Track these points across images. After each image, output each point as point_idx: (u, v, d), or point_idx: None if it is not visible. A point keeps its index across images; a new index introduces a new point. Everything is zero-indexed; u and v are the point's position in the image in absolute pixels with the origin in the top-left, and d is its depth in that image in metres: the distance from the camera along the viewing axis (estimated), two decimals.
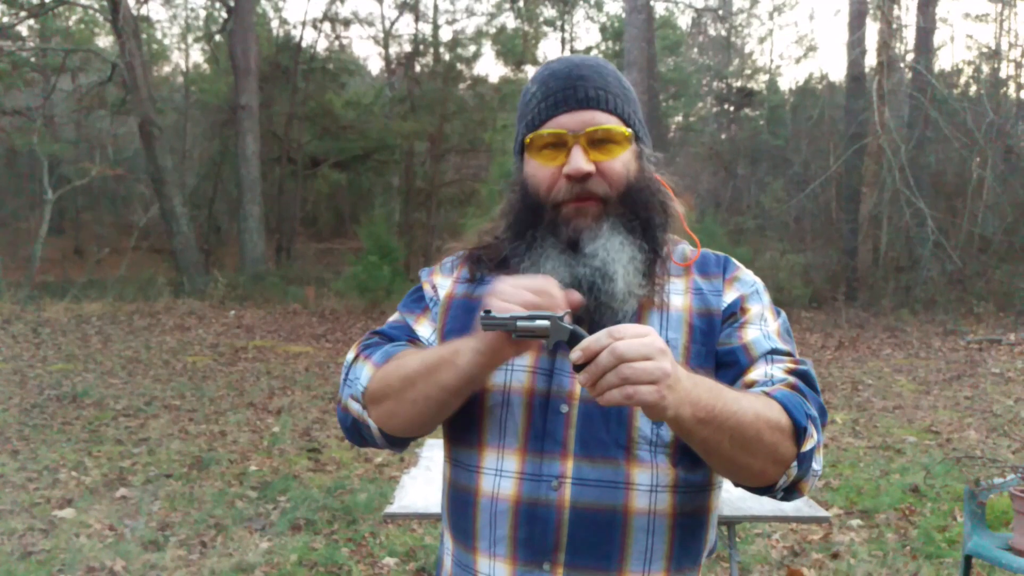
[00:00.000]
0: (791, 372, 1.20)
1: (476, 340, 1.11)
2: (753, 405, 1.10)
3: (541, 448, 1.19)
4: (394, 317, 1.39)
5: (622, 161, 1.22)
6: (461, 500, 1.26)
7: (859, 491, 5.20)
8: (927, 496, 5.09)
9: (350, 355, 1.32)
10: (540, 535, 1.18)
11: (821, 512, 2.87)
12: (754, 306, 1.27)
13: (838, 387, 8.59)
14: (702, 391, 1.05)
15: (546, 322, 1.04)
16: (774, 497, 1.18)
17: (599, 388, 0.99)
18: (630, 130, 1.24)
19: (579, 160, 1.19)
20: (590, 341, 1.00)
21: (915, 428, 6.87)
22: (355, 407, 1.26)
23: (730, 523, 2.93)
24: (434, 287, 1.36)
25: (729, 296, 1.27)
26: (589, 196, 1.21)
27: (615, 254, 1.19)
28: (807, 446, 1.13)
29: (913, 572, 3.99)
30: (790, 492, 1.17)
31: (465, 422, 1.24)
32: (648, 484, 1.18)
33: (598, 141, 1.21)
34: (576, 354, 1.01)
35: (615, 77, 1.26)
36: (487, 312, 1.06)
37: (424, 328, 1.34)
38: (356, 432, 1.30)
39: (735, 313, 1.26)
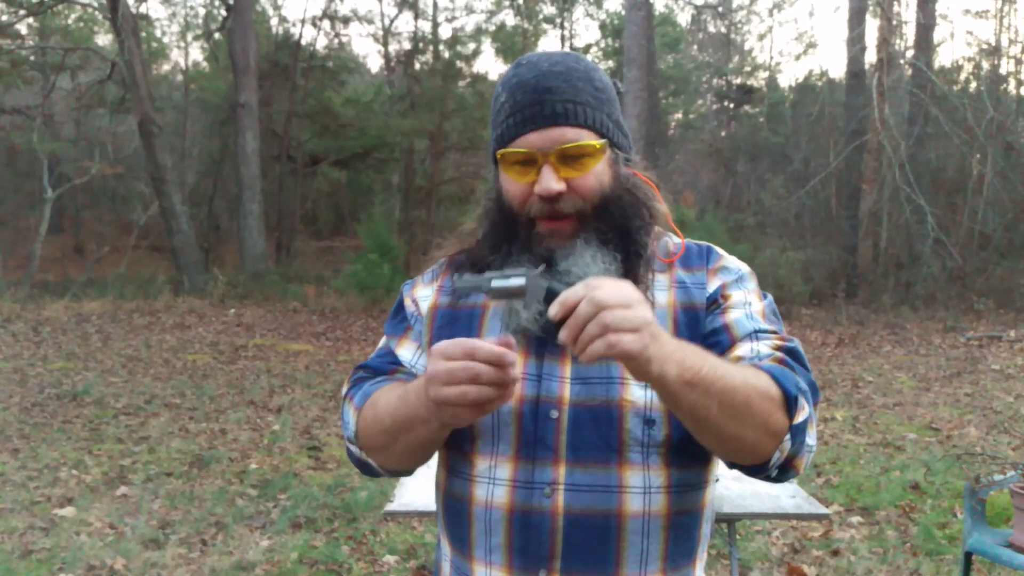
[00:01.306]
0: (778, 348, 1.18)
1: (436, 417, 1.10)
2: (742, 372, 1.08)
3: (533, 455, 1.18)
4: (381, 343, 1.39)
5: (595, 174, 1.20)
6: (456, 508, 1.25)
7: (859, 488, 5.21)
8: (927, 493, 5.10)
9: (343, 390, 1.34)
10: (535, 543, 1.17)
11: (821, 509, 2.87)
12: (736, 292, 1.25)
13: (838, 384, 8.59)
14: (687, 353, 1.03)
15: (521, 280, 1.01)
16: (768, 476, 1.15)
17: (581, 342, 0.96)
18: (602, 140, 1.21)
19: (549, 180, 1.17)
20: (568, 294, 0.97)
21: (915, 425, 6.87)
22: (354, 449, 1.29)
23: (730, 520, 2.93)
24: (415, 302, 1.35)
25: (712, 286, 1.26)
26: (561, 215, 1.19)
27: (587, 268, 1.17)
28: (799, 418, 1.10)
29: (913, 569, 3.99)
30: (784, 470, 1.14)
31: (458, 430, 1.22)
32: (641, 486, 1.18)
33: (568, 157, 1.19)
34: (554, 309, 0.97)
35: (587, 81, 1.22)
36: (460, 275, 1.04)
37: (406, 350, 1.34)
38: (364, 467, 1.31)
39: (716, 300, 1.25)
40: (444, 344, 1.04)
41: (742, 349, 1.19)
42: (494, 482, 1.20)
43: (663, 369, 0.99)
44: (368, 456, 1.27)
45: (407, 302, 1.37)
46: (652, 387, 1.04)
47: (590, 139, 1.20)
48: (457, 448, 1.25)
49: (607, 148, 1.23)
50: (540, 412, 1.19)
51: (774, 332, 1.22)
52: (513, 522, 1.18)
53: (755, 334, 1.20)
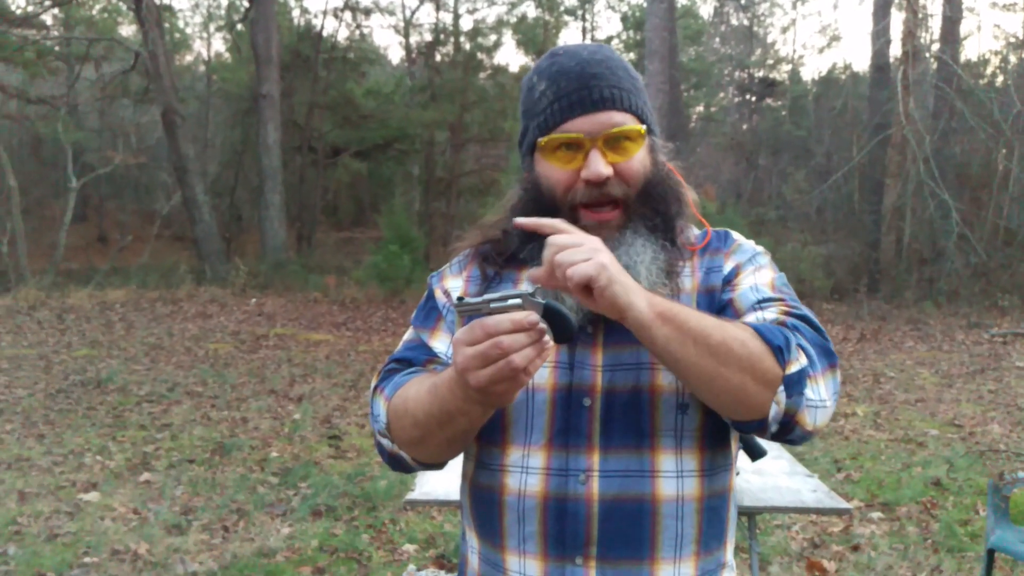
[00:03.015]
0: (785, 314, 1.17)
1: (477, 403, 1.08)
2: (717, 320, 1.11)
3: (566, 443, 1.18)
4: (408, 335, 1.35)
5: (638, 159, 1.22)
6: (485, 499, 1.25)
7: (880, 484, 5.18)
8: (949, 490, 5.06)
9: (372, 384, 1.31)
10: (571, 530, 1.18)
11: (842, 504, 2.86)
12: (746, 270, 1.26)
13: (860, 379, 8.54)
14: (656, 295, 1.10)
15: (518, 300, 1.03)
16: (772, 435, 1.12)
17: (556, 277, 1.07)
18: (644, 126, 1.23)
19: (598, 164, 1.18)
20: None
21: (937, 421, 6.82)
22: (385, 443, 1.25)
23: (750, 514, 2.92)
24: (446, 293, 1.34)
25: (727, 268, 1.28)
26: (608, 200, 1.20)
27: (637, 256, 1.19)
28: (792, 368, 1.08)
29: (934, 566, 3.96)
30: (789, 428, 1.11)
31: (489, 421, 1.21)
32: (674, 470, 1.18)
33: (615, 142, 1.20)
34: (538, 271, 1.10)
35: (624, 70, 1.24)
36: (460, 299, 1.06)
37: (440, 342, 1.31)
38: (396, 461, 1.27)
39: (730, 280, 1.26)
40: (462, 333, 1.03)
41: (747, 319, 1.18)
42: (527, 471, 1.20)
43: (630, 298, 1.05)
44: (401, 449, 1.22)
45: (438, 293, 1.35)
46: (629, 325, 1.07)
47: (634, 124, 1.22)
48: (487, 439, 1.24)
49: (647, 134, 1.24)
50: (573, 400, 1.19)
51: (780, 300, 1.20)
52: (548, 510, 1.19)
53: (759, 303, 1.20)
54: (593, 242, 1.08)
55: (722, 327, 1.08)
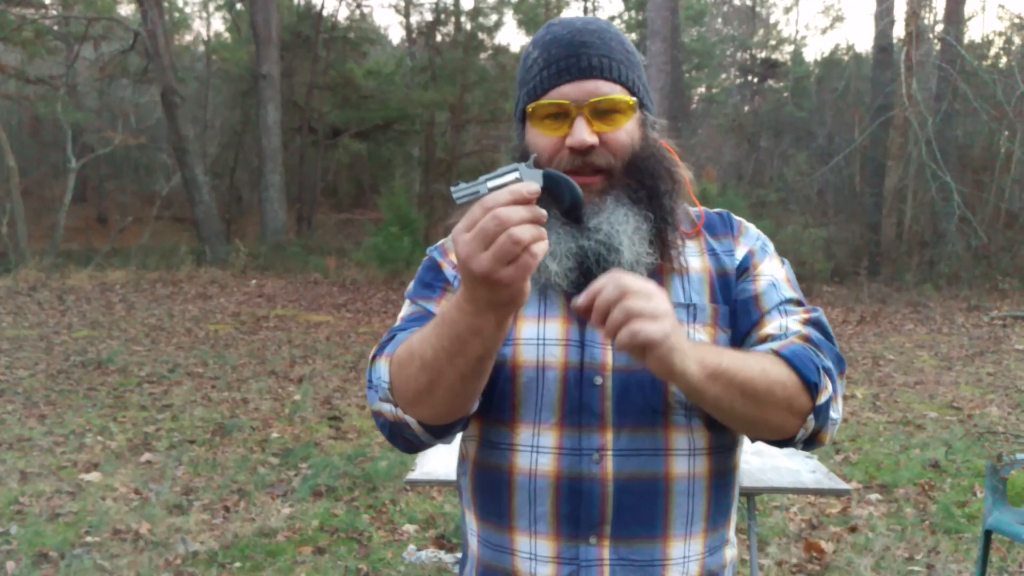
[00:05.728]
0: (805, 323, 1.20)
1: (488, 307, 1.00)
2: (759, 361, 1.10)
3: (579, 422, 1.18)
4: (408, 310, 1.29)
5: (626, 131, 1.20)
6: (492, 479, 1.23)
7: (878, 466, 5.20)
8: (947, 471, 5.08)
9: (371, 356, 1.24)
10: (586, 510, 1.17)
11: (842, 485, 2.87)
12: (763, 261, 1.28)
13: (859, 362, 8.55)
14: (704, 348, 1.08)
15: (516, 174, 1.01)
16: (794, 447, 1.19)
17: (608, 329, 0.99)
18: (634, 98, 1.21)
19: (582, 132, 1.17)
20: (595, 281, 1.01)
21: (936, 404, 6.84)
22: (387, 408, 1.16)
23: (750, 494, 2.93)
24: (455, 265, 1.30)
25: (740, 252, 1.28)
26: (592, 168, 1.19)
27: (619, 226, 1.17)
28: (822, 399, 1.12)
29: (931, 547, 3.98)
30: (810, 443, 1.18)
31: (498, 400, 1.21)
32: (686, 448, 1.19)
33: (602, 111, 1.19)
34: (580, 299, 1.01)
35: (619, 42, 1.23)
36: (456, 185, 1.03)
37: None
38: (398, 436, 1.19)
39: (747, 269, 1.26)
40: (461, 222, 0.98)
41: (771, 325, 1.21)
42: (538, 450, 1.19)
43: (685, 363, 1.01)
44: (406, 411, 1.14)
45: (444, 265, 1.31)
46: (676, 383, 1.06)
47: (623, 95, 1.20)
48: (495, 418, 1.22)
49: (638, 107, 1.23)
50: (585, 379, 1.19)
51: (799, 303, 1.24)
52: (561, 490, 1.18)
53: (782, 306, 1.22)
54: (662, 298, 1.00)
55: (764, 372, 1.09)
